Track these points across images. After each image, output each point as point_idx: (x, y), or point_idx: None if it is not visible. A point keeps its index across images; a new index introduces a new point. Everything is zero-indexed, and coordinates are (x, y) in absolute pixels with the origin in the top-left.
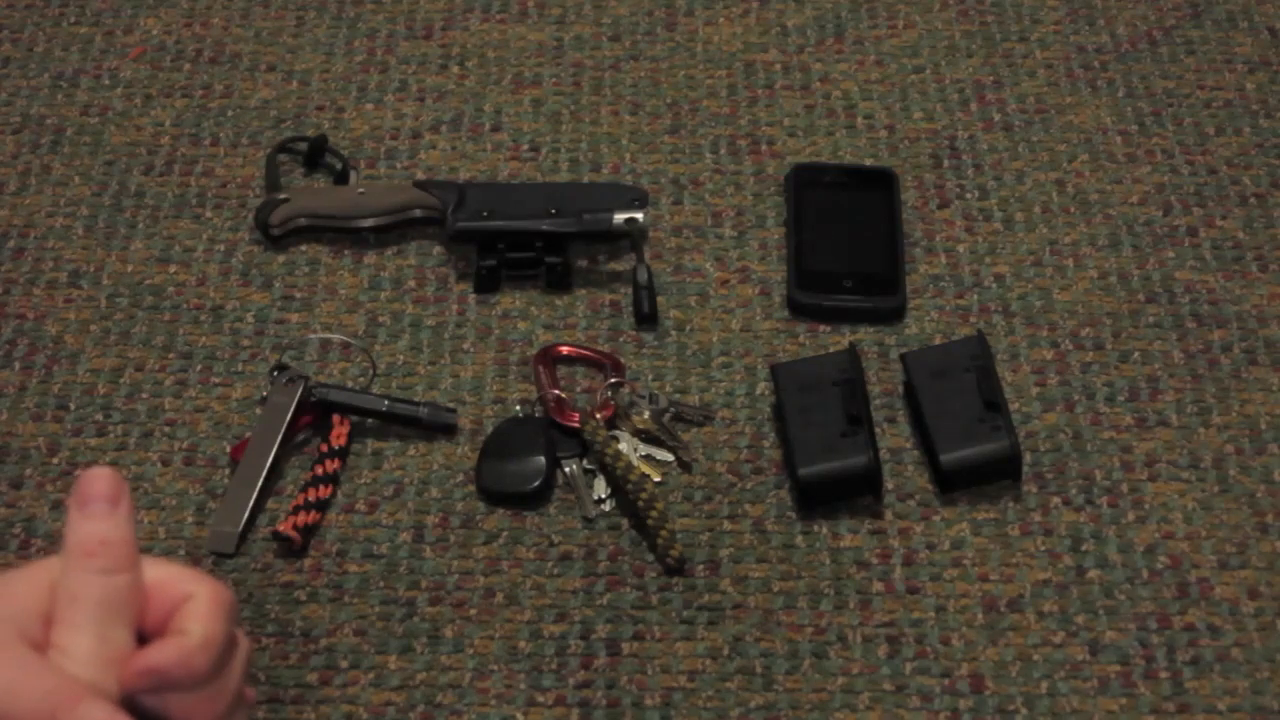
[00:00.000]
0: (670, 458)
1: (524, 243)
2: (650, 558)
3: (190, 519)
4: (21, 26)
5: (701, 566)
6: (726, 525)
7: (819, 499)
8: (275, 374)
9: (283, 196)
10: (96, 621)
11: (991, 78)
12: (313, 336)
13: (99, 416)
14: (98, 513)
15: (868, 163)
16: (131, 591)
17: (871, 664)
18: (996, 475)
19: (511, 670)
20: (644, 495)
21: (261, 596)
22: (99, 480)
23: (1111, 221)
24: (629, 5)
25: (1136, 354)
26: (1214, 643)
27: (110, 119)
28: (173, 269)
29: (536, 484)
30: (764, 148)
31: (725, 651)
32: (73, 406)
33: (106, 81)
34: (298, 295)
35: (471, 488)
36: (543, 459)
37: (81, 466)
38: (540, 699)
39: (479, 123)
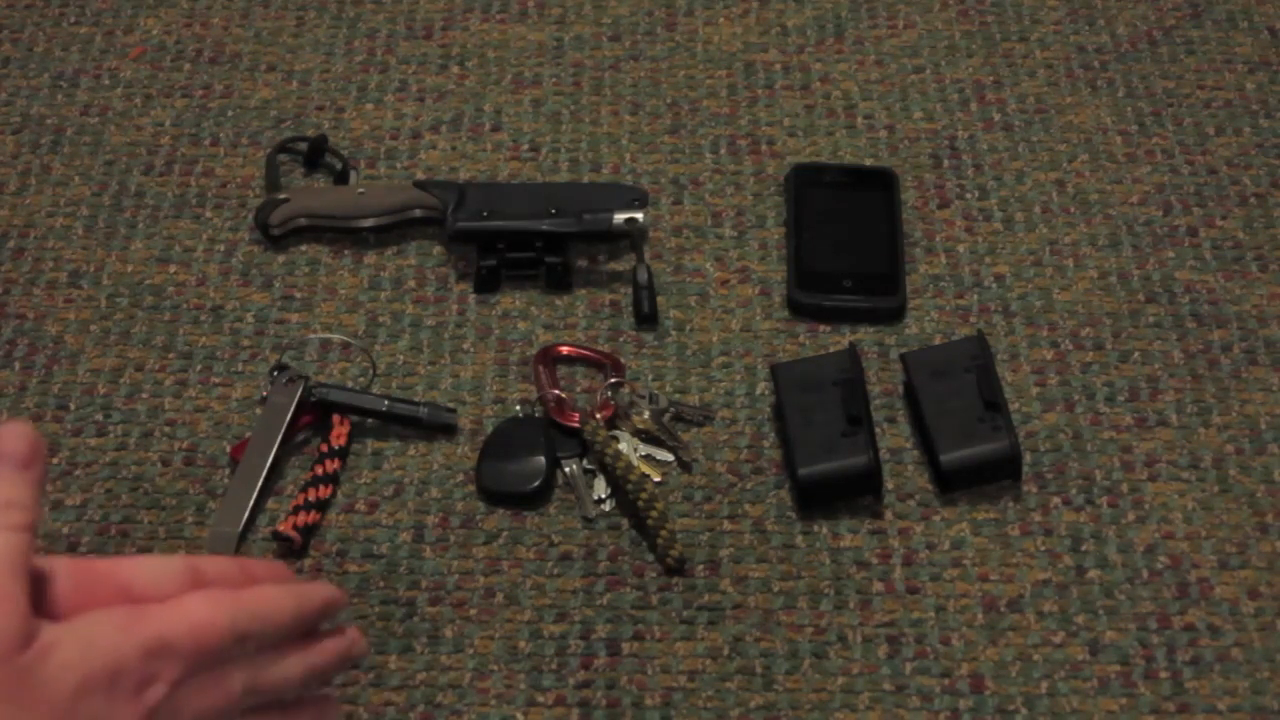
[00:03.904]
0: (670, 458)
1: (524, 243)
2: (650, 558)
3: (190, 519)
4: (21, 26)
5: (701, 566)
6: (726, 525)
7: (819, 499)
8: (275, 374)
9: (283, 196)
10: None
11: (991, 78)
12: (313, 336)
13: (99, 416)
14: (6, 474)
15: (868, 163)
16: (28, 553)
17: (871, 664)
18: (996, 475)
19: (511, 670)
20: (644, 495)
21: None
22: (18, 440)
23: (1111, 221)
24: (629, 5)
25: (1136, 354)
26: (1214, 643)
27: (110, 119)
28: (173, 269)
29: (536, 484)
30: (764, 148)
31: (725, 651)
32: (73, 406)
33: (106, 81)
34: (298, 295)
35: (471, 488)
36: (543, 459)
37: (81, 466)
38: (540, 699)
39: (479, 123)
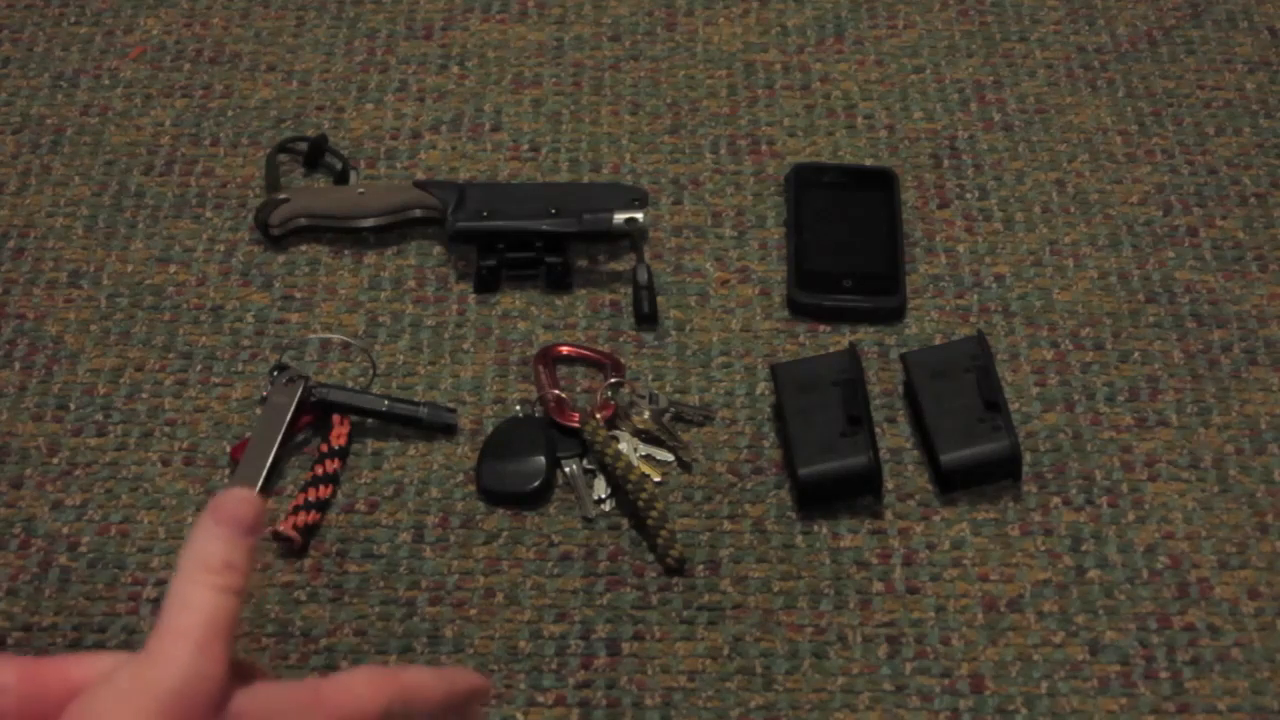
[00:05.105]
0: (670, 458)
1: (524, 243)
2: (650, 558)
3: (190, 519)
4: (21, 26)
5: (701, 566)
6: (726, 525)
7: (819, 499)
8: (275, 374)
9: (283, 196)
10: (201, 633)
11: (991, 78)
12: (313, 336)
13: (99, 416)
14: (229, 537)
15: (868, 163)
16: (236, 618)
17: (871, 664)
18: (996, 475)
19: (511, 670)
20: (644, 495)
21: (261, 596)
22: (246, 506)
23: (1111, 221)
24: (629, 5)
25: (1136, 354)
26: (1214, 643)
27: (110, 119)
28: (173, 269)
29: (536, 484)
30: (764, 148)
31: (725, 651)
32: (73, 406)
33: (106, 81)
34: (298, 295)
35: (471, 488)
36: (543, 459)
37: (81, 467)
38: (540, 699)
39: (479, 123)
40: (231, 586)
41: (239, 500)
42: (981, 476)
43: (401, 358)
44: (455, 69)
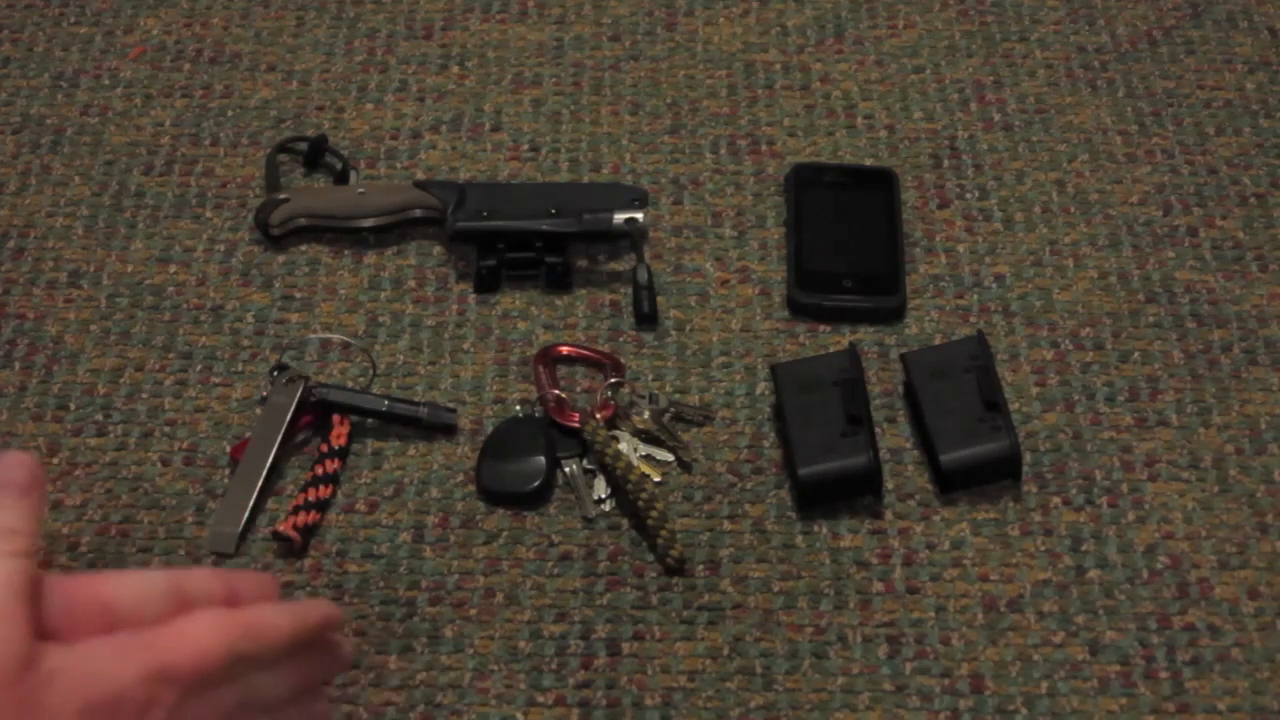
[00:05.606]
0: (670, 458)
1: (524, 243)
2: (650, 558)
3: (190, 519)
4: (21, 26)
5: (701, 566)
6: (726, 525)
7: (819, 499)
8: (275, 374)
9: (283, 196)
10: None
11: (991, 78)
12: (313, 336)
13: (99, 416)
14: (7, 502)
15: (868, 163)
16: (31, 579)
17: (871, 664)
18: (996, 475)
19: (511, 670)
20: (644, 495)
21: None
22: (17, 468)
23: (1111, 221)
24: (629, 5)
25: (1136, 354)
26: (1214, 643)
27: (110, 119)
28: (173, 269)
29: (536, 484)
30: (764, 148)
31: (725, 651)
32: (73, 406)
33: (106, 81)
34: (298, 295)
35: (471, 488)
36: (543, 459)
37: (82, 467)
38: (540, 699)
39: (479, 123)
40: (18, 550)
41: (9, 464)
42: (981, 476)
43: (401, 358)
44: (455, 69)
